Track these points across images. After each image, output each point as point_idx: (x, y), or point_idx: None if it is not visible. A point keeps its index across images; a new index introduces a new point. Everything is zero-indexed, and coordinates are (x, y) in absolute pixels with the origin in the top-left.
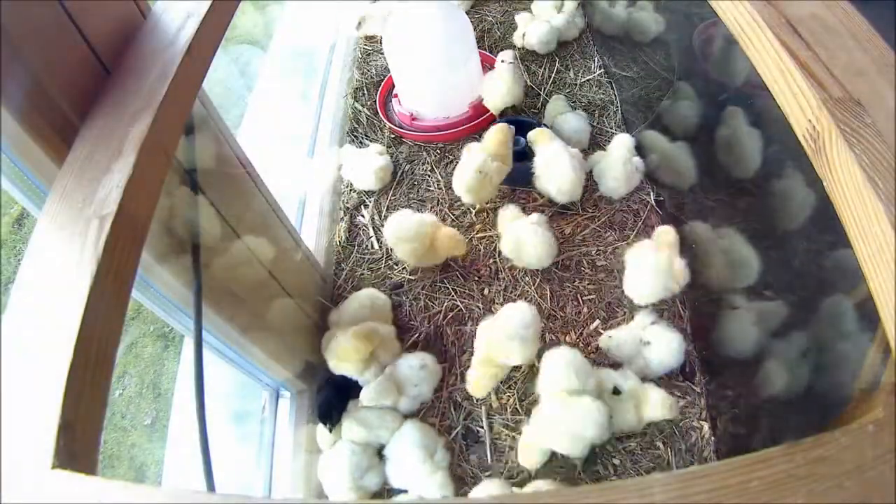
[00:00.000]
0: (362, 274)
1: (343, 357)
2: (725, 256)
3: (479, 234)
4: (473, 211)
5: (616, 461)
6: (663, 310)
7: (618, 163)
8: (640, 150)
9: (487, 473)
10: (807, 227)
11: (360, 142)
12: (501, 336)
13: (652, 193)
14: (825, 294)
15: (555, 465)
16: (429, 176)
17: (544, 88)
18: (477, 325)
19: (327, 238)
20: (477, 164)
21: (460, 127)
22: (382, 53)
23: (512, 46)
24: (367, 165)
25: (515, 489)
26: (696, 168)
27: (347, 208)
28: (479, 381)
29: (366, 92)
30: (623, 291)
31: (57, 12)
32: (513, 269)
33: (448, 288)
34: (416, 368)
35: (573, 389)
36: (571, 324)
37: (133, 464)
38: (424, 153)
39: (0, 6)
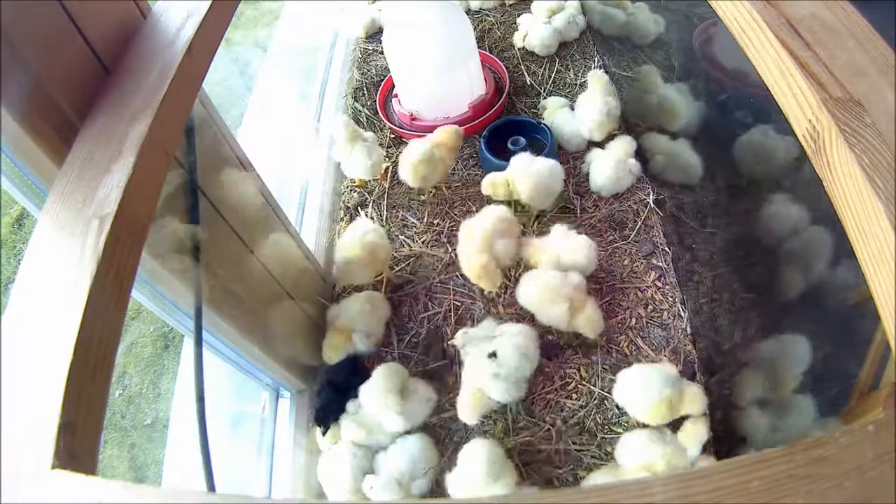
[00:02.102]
0: None
1: None
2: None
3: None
4: (475, 209)
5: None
6: (663, 310)
7: (610, 161)
8: (640, 150)
9: None
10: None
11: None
12: None
13: (652, 193)
14: (826, 294)
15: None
16: None
17: (544, 88)
18: (478, 325)
19: (327, 238)
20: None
21: (460, 127)
22: (382, 53)
23: (512, 46)
24: (360, 154)
25: None
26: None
27: (347, 208)
28: None
29: (366, 92)
30: None
31: (57, 12)
32: (512, 269)
33: (448, 288)
34: (423, 398)
35: None
36: None
37: (133, 464)
38: None
39: (0, 6)
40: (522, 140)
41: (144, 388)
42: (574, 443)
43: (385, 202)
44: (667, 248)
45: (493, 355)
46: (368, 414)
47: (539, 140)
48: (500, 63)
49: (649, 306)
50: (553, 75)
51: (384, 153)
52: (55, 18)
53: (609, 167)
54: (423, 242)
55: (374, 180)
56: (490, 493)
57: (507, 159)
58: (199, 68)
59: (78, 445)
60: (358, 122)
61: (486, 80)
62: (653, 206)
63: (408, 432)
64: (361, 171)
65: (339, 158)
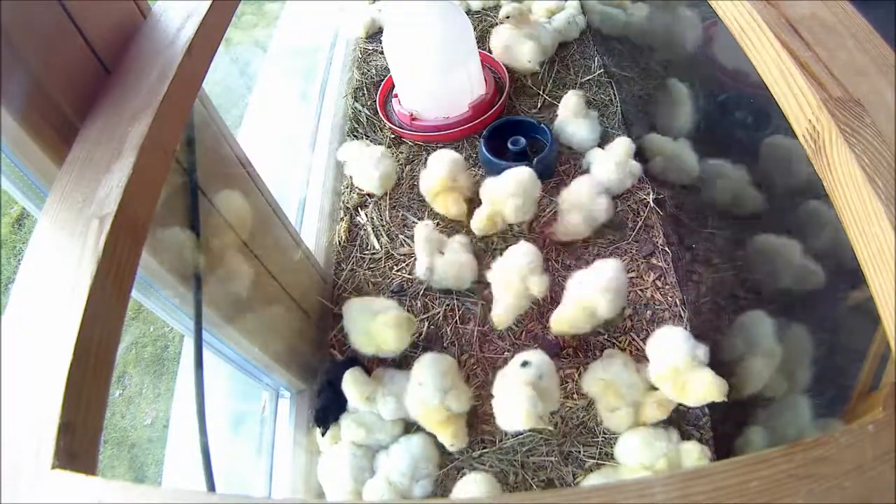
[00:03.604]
0: (363, 274)
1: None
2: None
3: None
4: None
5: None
6: (663, 310)
7: (610, 164)
8: (640, 150)
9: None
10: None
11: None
12: None
13: (652, 193)
14: (825, 293)
15: None
16: None
17: (544, 89)
18: (478, 325)
19: (327, 238)
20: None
21: (460, 127)
22: (382, 53)
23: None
24: (370, 166)
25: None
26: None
27: (347, 208)
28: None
29: (366, 92)
30: None
31: (57, 12)
32: None
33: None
34: (416, 384)
35: None
36: None
37: (133, 464)
38: (424, 153)
39: (0, 6)
40: (522, 140)
41: (144, 388)
42: (574, 443)
43: (385, 202)
44: (667, 248)
45: (524, 364)
46: (368, 413)
47: (539, 140)
48: (500, 63)
49: (649, 306)
50: (553, 75)
51: (395, 165)
52: (55, 18)
53: (609, 169)
54: None
55: None
56: None
57: (507, 159)
58: (199, 68)
59: (78, 445)
60: (358, 122)
61: (486, 80)
62: (653, 205)
63: (409, 431)
64: (373, 187)
65: (351, 172)
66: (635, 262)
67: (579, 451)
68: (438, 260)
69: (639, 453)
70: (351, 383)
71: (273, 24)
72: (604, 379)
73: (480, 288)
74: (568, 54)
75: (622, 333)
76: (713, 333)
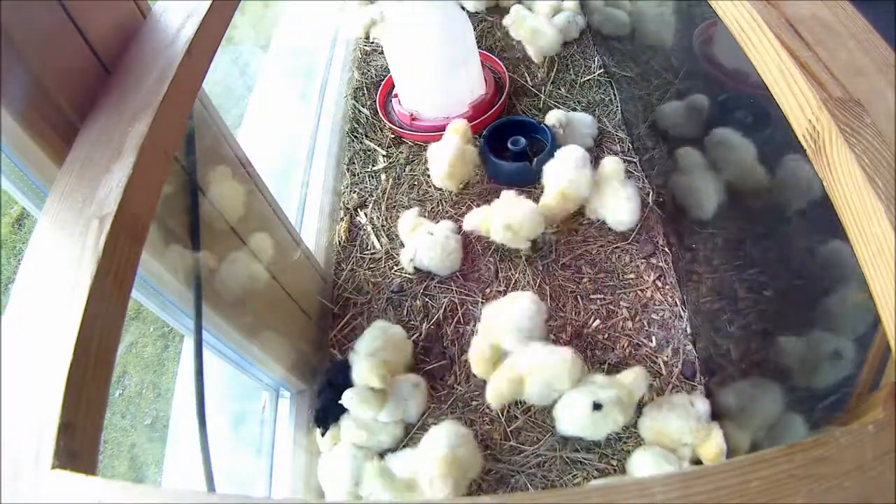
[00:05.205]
0: (363, 274)
1: None
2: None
3: (477, 235)
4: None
5: (614, 462)
6: (663, 310)
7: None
8: (640, 149)
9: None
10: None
11: (360, 142)
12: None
13: (652, 193)
14: (825, 293)
15: None
16: (428, 176)
17: (544, 89)
18: (478, 325)
19: (327, 238)
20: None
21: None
22: (382, 53)
23: (512, 46)
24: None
25: None
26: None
27: (347, 208)
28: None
29: (366, 92)
30: None
31: (57, 12)
32: (512, 269)
33: (448, 288)
34: (410, 385)
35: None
36: (571, 323)
37: (133, 464)
38: (424, 153)
39: (0, 6)
40: (522, 140)
41: (144, 388)
42: (577, 449)
43: (385, 202)
44: (667, 249)
45: (597, 407)
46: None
47: (539, 140)
48: (500, 63)
49: (649, 306)
50: (553, 75)
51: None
52: (55, 18)
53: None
54: None
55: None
56: None
57: (507, 159)
58: (199, 68)
59: (78, 445)
60: (358, 122)
61: (486, 80)
62: (653, 205)
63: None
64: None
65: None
66: (635, 262)
67: (583, 461)
68: (424, 240)
69: (648, 471)
70: (357, 405)
71: (273, 24)
72: (655, 428)
73: (480, 286)
74: (568, 54)
75: (621, 333)
76: (713, 334)
